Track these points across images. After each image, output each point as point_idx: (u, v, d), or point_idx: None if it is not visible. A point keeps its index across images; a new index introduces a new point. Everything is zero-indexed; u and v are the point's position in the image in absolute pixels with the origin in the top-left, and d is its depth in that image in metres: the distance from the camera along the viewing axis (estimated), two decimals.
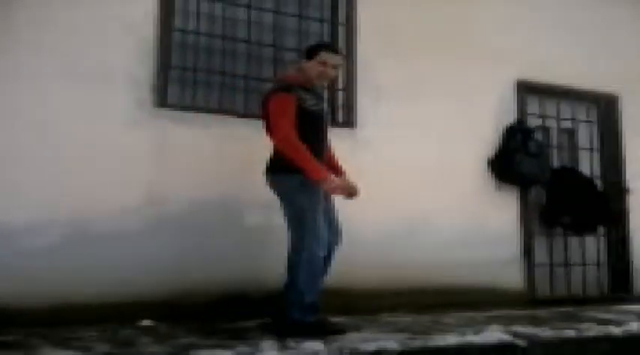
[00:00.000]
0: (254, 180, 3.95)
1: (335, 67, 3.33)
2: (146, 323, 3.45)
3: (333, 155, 3.60)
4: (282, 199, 3.28)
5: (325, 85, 3.56)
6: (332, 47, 3.44)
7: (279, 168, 3.23)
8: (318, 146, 3.22)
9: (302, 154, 3.07)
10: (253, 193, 3.96)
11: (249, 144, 4.02)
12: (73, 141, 3.59)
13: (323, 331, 3.07)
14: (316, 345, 2.75)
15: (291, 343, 2.81)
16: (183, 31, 4.09)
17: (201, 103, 4.10)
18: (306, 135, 3.13)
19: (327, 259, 3.28)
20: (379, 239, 4.30)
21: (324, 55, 3.27)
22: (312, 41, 4.49)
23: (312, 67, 3.28)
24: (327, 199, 3.34)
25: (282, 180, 3.23)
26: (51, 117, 3.56)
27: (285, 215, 3.28)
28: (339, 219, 3.48)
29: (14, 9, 3.54)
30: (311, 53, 3.32)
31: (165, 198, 3.77)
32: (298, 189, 3.14)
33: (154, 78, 3.83)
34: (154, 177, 3.77)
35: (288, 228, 3.26)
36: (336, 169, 3.53)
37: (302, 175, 3.08)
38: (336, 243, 3.38)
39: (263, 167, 3.76)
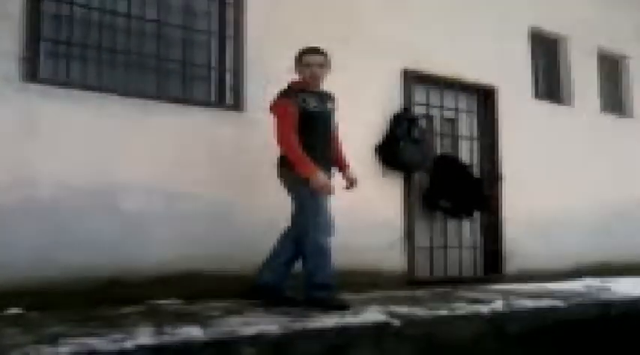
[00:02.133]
0: (132, 162, 3.82)
1: (320, 65, 3.60)
2: (14, 311, 3.24)
3: (340, 150, 3.87)
4: (289, 191, 3.61)
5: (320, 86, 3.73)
6: (313, 49, 3.65)
7: (286, 164, 3.53)
8: (319, 143, 3.54)
9: (295, 154, 3.44)
10: (131, 176, 3.81)
11: (128, 124, 3.86)
12: None
13: (329, 306, 3.39)
14: (193, 330, 2.68)
15: (167, 329, 2.72)
16: (57, 0, 3.80)
17: (77, 79, 3.85)
18: (308, 133, 3.48)
19: (322, 250, 3.53)
20: (265, 225, 4.27)
21: (307, 58, 3.59)
22: (199, 19, 4.40)
23: (301, 70, 3.62)
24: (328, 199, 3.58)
25: (289, 175, 3.52)
26: None
27: (292, 205, 3.60)
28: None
29: None
30: (299, 58, 3.64)
31: (34, 179, 3.52)
32: (302, 181, 3.45)
33: (21, 50, 3.54)
34: (22, 156, 3.50)
35: (294, 217, 3.61)
36: (340, 164, 3.85)
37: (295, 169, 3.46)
38: (330, 234, 3.57)
39: (140, 148, 3.64)
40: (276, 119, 3.56)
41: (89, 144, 3.71)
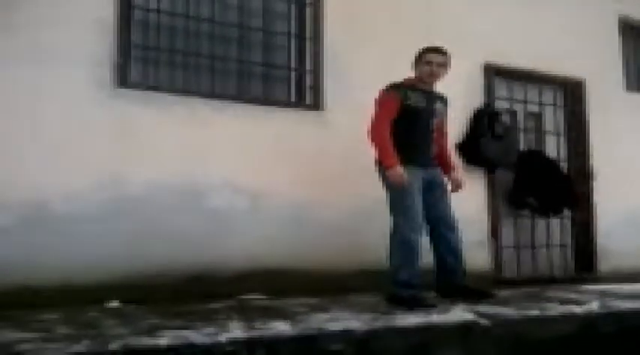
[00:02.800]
0: (217, 162, 3.94)
1: (440, 65, 3.62)
2: (112, 305, 3.41)
3: (446, 152, 3.90)
4: (383, 186, 3.62)
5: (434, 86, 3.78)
6: (436, 48, 3.67)
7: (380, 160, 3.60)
8: (416, 139, 3.59)
9: (380, 143, 3.50)
10: (217, 175, 3.93)
11: (213, 126, 3.98)
12: (32, 122, 3.50)
13: (414, 304, 3.35)
14: (282, 325, 2.72)
15: (258, 324, 2.78)
16: (145, 9, 3.98)
17: (165, 83, 4.01)
18: (405, 128, 3.54)
19: (445, 245, 3.70)
20: (343, 221, 4.30)
21: (429, 56, 3.61)
22: (278, 22, 4.48)
23: (421, 68, 3.64)
24: (438, 194, 3.68)
25: (380, 167, 3.59)
26: (12, 100, 3.46)
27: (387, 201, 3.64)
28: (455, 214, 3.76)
29: None
30: (419, 56, 3.67)
31: (127, 180, 3.69)
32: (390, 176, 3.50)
33: (114, 56, 3.73)
34: (115, 158, 3.69)
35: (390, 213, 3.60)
36: (446, 165, 3.85)
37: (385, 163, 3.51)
38: (450, 233, 3.71)
39: (227, 149, 3.75)
40: (375, 109, 3.62)
41: (176, 145, 3.85)
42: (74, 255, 3.49)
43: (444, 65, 3.66)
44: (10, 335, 2.49)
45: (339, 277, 4.18)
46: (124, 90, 3.75)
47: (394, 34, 4.67)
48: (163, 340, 2.39)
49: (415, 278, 3.52)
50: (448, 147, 3.91)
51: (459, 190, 3.88)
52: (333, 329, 2.72)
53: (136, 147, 3.74)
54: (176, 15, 4.11)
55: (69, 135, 3.58)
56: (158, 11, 4.02)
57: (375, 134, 3.54)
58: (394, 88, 3.60)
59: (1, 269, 3.29)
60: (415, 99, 3.59)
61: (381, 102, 3.58)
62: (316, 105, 4.40)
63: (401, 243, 3.49)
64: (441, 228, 3.69)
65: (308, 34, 4.50)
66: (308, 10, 4.53)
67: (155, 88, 3.90)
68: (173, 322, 2.83)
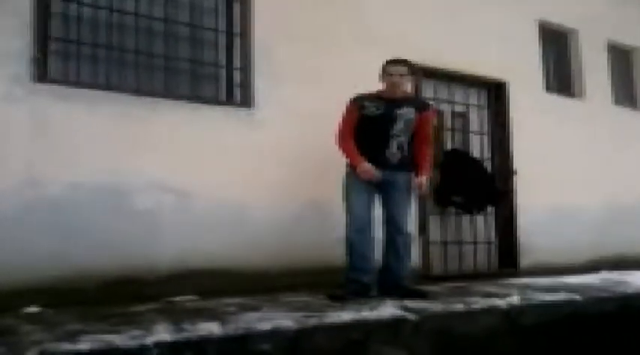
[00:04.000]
0: (143, 161, 3.82)
1: (401, 75, 3.83)
2: (31, 310, 3.24)
3: (422, 155, 3.94)
4: (343, 189, 3.90)
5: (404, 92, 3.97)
6: (395, 60, 3.87)
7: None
8: (372, 143, 3.80)
9: (343, 147, 3.84)
10: (145, 176, 3.82)
11: (139, 124, 3.86)
12: None
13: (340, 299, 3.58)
14: (211, 326, 2.67)
15: (186, 325, 2.71)
16: (65, 0, 3.80)
17: (87, 79, 3.85)
18: (363, 134, 3.82)
19: (390, 245, 3.84)
20: (274, 222, 4.27)
21: (389, 68, 3.83)
22: (206, 17, 4.39)
23: (384, 79, 3.87)
24: (394, 196, 3.82)
25: (347, 172, 3.88)
26: None
27: None
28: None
29: None
30: (382, 68, 3.88)
31: (46, 179, 3.52)
32: (346, 179, 3.85)
33: (31, 50, 3.54)
34: (33, 157, 3.51)
35: None
36: (417, 166, 3.92)
37: (349, 167, 3.84)
38: (397, 235, 3.82)
39: (153, 147, 3.64)
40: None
41: (100, 143, 3.71)
42: None
43: (403, 74, 3.86)
44: None
45: (270, 277, 4.15)
46: (42, 86, 3.56)
47: (323, 31, 4.69)
48: (85, 345, 2.29)
49: (354, 274, 3.75)
50: (425, 150, 3.95)
51: (421, 193, 4.07)
52: (263, 328, 2.70)
53: (56, 145, 3.57)
54: (98, 7, 3.94)
55: None
56: (78, 2, 3.85)
57: (339, 140, 3.87)
58: (355, 99, 3.88)
59: None
60: (371, 108, 3.82)
61: (344, 113, 3.90)
62: (246, 102, 4.35)
63: (345, 241, 3.77)
64: (390, 228, 3.84)
65: (237, 30, 4.44)
66: (236, 6, 4.47)
67: (77, 84, 3.74)
68: (96, 326, 2.72)
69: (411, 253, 3.97)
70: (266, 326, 2.73)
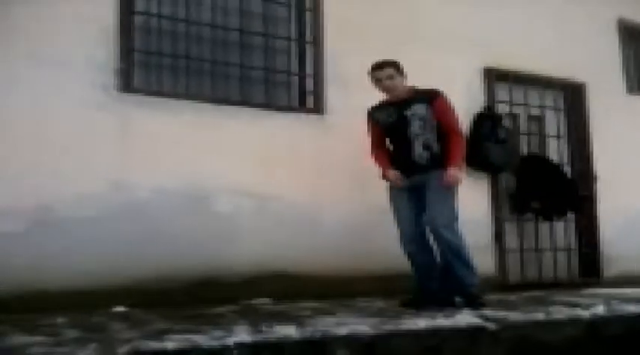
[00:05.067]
0: (221, 166, 3.93)
1: (388, 77, 3.65)
2: (119, 309, 3.40)
3: (450, 144, 3.66)
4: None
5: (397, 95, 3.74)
6: (375, 65, 3.72)
7: None
8: (396, 151, 3.75)
9: (374, 160, 3.83)
10: (222, 180, 3.92)
11: (216, 131, 3.98)
12: (36, 128, 3.49)
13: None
14: (288, 329, 2.70)
15: (264, 327, 2.77)
16: (146, 14, 3.98)
17: (168, 88, 4.01)
18: (391, 143, 3.79)
19: (439, 249, 3.64)
20: (348, 226, 4.28)
21: (373, 75, 3.70)
22: (279, 27, 4.48)
23: (376, 86, 3.74)
24: (429, 198, 3.60)
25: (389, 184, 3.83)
26: (14, 104, 3.45)
27: None
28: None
29: None
30: (370, 78, 3.73)
31: (131, 184, 3.69)
32: (389, 191, 3.80)
33: (116, 62, 3.73)
34: (119, 163, 3.69)
35: None
36: (448, 158, 3.64)
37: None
38: (436, 236, 3.60)
39: (230, 153, 3.72)
40: None
41: (180, 149, 3.86)
42: (81, 259, 3.48)
43: (391, 76, 3.67)
44: (21, 338, 2.47)
45: (346, 281, 4.16)
46: (127, 95, 3.74)
47: (392, 38, 4.67)
48: (171, 343, 2.37)
49: (419, 283, 3.71)
50: (452, 140, 3.65)
51: (449, 185, 3.61)
52: (340, 333, 2.70)
53: (140, 151, 3.74)
54: (177, 20, 4.11)
55: (74, 140, 3.57)
56: (159, 16, 4.02)
57: (371, 153, 3.85)
58: (368, 113, 3.83)
59: (10, 274, 3.28)
60: (381, 117, 3.74)
61: (368, 126, 3.86)
62: (317, 108, 4.40)
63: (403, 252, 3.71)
64: (431, 231, 3.63)
65: (308, 38, 4.51)
66: (308, 15, 4.53)
67: (158, 93, 3.90)
68: (180, 326, 2.81)
69: (467, 255, 3.62)
70: (342, 330, 2.73)
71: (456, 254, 3.59)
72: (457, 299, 3.64)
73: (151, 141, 3.80)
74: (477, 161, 4.86)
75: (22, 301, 3.26)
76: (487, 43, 5.09)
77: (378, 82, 3.70)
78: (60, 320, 2.99)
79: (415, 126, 3.64)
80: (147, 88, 3.92)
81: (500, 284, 4.81)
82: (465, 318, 3.15)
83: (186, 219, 3.81)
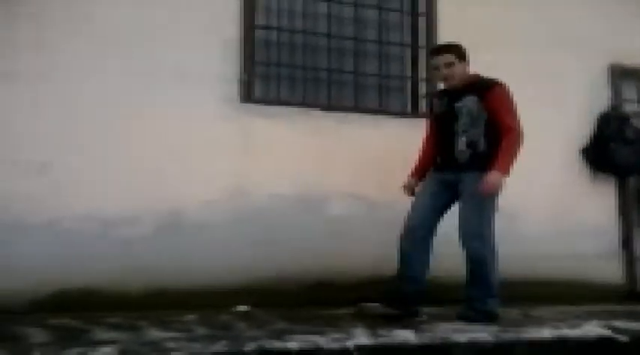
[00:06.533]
0: (337, 172, 4.03)
1: (447, 64, 3.38)
2: (241, 308, 3.58)
3: (501, 146, 3.26)
4: None
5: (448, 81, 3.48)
6: (434, 50, 3.57)
7: None
8: (439, 143, 3.49)
9: (418, 154, 3.66)
10: (337, 185, 4.02)
11: (332, 137, 4.08)
12: (166, 137, 3.75)
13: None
14: (406, 334, 2.73)
15: (381, 330, 2.81)
16: (266, 28, 4.17)
17: (286, 97, 4.18)
18: (437, 135, 3.51)
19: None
20: None
21: (432, 62, 3.48)
22: (392, 33, 4.51)
23: (435, 75, 3.62)
24: (463, 201, 3.34)
25: None
26: (148, 115, 3.73)
27: None
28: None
29: (102, 10, 3.74)
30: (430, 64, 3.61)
31: (252, 189, 3.87)
32: None
33: (240, 74, 3.94)
34: (241, 170, 3.88)
35: None
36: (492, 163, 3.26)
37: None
38: (462, 243, 3.33)
39: (346, 159, 3.81)
40: None
41: (298, 156, 4.00)
42: (204, 261, 3.70)
43: (451, 63, 3.37)
44: (157, 334, 2.70)
45: (460, 286, 4.10)
46: (248, 106, 3.94)
47: (509, 40, 4.54)
48: (294, 344, 2.48)
49: (398, 283, 3.37)
50: (503, 140, 3.25)
51: (486, 192, 3.21)
52: (460, 340, 2.69)
53: (260, 158, 3.92)
54: (295, 32, 4.26)
55: (200, 149, 3.80)
56: (278, 29, 4.20)
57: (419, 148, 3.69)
58: (430, 97, 3.67)
59: (140, 273, 3.56)
60: (437, 106, 3.52)
61: None
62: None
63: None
64: (460, 238, 3.34)
65: (422, 42, 4.50)
66: (421, 20, 4.52)
67: (276, 102, 4.07)
68: (299, 327, 2.92)
69: (488, 270, 3.29)
70: (462, 338, 2.72)
71: (477, 264, 3.30)
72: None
73: (270, 148, 3.97)
74: (603, 163, 4.63)
75: (152, 299, 3.52)
76: (611, 40, 4.80)
77: (436, 69, 3.44)
78: (188, 317, 3.20)
79: (462, 121, 3.33)
80: (266, 97, 4.10)
81: (629, 293, 4.52)
82: (594, 329, 3.02)
83: (302, 222, 3.93)
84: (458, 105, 3.35)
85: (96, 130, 3.63)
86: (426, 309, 3.42)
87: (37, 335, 2.61)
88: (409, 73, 4.52)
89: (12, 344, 2.41)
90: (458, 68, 3.38)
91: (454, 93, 3.39)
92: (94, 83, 3.65)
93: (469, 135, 3.32)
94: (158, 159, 3.72)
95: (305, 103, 4.15)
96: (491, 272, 3.30)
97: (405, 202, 4.11)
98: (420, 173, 3.62)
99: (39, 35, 3.57)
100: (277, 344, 2.47)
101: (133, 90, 3.72)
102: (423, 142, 3.65)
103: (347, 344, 2.51)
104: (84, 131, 3.61)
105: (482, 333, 2.82)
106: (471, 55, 4.40)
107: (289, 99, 4.17)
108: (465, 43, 4.40)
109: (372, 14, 4.49)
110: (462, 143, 3.33)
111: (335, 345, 2.50)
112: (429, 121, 3.65)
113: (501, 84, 3.37)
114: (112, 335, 2.64)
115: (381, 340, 2.64)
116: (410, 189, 3.62)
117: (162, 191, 3.69)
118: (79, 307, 3.33)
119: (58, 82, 3.59)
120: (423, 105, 4.44)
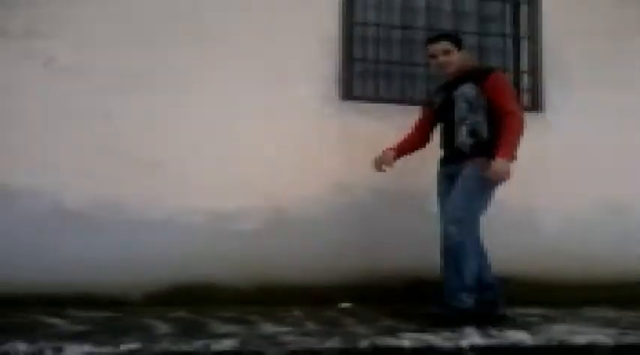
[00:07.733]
0: (431, 167, 3.97)
1: (445, 52, 3.30)
2: (345, 305, 3.63)
3: (501, 132, 3.11)
4: None
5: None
6: (431, 38, 3.44)
7: None
8: (445, 135, 3.39)
9: None
10: (433, 181, 3.97)
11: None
12: (270, 136, 3.84)
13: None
14: (520, 335, 2.67)
15: (493, 331, 2.76)
16: (364, 24, 4.17)
17: (384, 94, 4.17)
18: (440, 125, 3.45)
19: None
20: (568, 228, 4.07)
21: (429, 49, 3.37)
22: (493, 24, 4.39)
23: (430, 64, 3.44)
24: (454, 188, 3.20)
25: None
26: (253, 114, 3.85)
27: None
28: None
29: (210, 14, 3.88)
30: (425, 53, 3.46)
31: (353, 185, 3.90)
32: None
33: (339, 72, 3.98)
34: (342, 166, 3.92)
35: None
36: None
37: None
38: (443, 231, 3.16)
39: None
40: None
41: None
42: (307, 256, 3.77)
43: (447, 51, 3.28)
44: (270, 328, 2.78)
45: (565, 288, 3.96)
46: (348, 103, 3.97)
47: (616, 29, 4.31)
48: (406, 342, 2.48)
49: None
50: (503, 125, 3.10)
51: (493, 177, 3.04)
52: (578, 342, 2.59)
53: (359, 155, 3.92)
54: (393, 27, 4.24)
55: (303, 147, 3.88)
56: (377, 25, 4.20)
57: None
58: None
59: (246, 267, 3.67)
60: (435, 98, 3.46)
61: None
62: (535, 106, 4.23)
63: None
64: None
65: (524, 33, 4.35)
66: (523, 9, 4.38)
67: (374, 99, 4.08)
68: (407, 325, 2.91)
69: (465, 261, 3.04)
70: (581, 340, 2.62)
71: (449, 251, 3.07)
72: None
73: (368, 144, 3.95)
74: None
75: (257, 294, 3.63)
76: None
77: (432, 58, 3.34)
78: (296, 312, 3.28)
79: (461, 109, 3.22)
80: (364, 94, 4.11)
81: None
82: None
83: (403, 218, 3.92)
84: (456, 93, 3.26)
85: (208, 130, 3.78)
86: (530, 310, 3.32)
87: (160, 326, 2.77)
88: (510, 66, 4.39)
89: (140, 334, 2.56)
90: (455, 56, 3.32)
91: (451, 84, 3.33)
92: (205, 85, 3.81)
93: (470, 124, 3.19)
94: (260, 156, 3.82)
95: (402, 99, 4.13)
96: (465, 263, 3.04)
97: (506, 200, 3.99)
98: (398, 150, 3.52)
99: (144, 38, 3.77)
100: (391, 342, 2.48)
101: (239, 91, 3.84)
102: (412, 128, 3.58)
103: (460, 343, 2.49)
104: (198, 131, 3.78)
105: (600, 336, 2.71)
106: (576, 46, 4.24)
107: (386, 95, 4.16)
108: (570, 32, 4.26)
109: (471, 5, 4.40)
110: (463, 132, 3.21)
111: (448, 344, 2.48)
112: (420, 109, 3.60)
113: (498, 70, 3.36)
114: (229, 328, 2.75)
115: (494, 340, 2.59)
116: (379, 163, 3.48)
117: (268, 188, 3.79)
118: (192, 300, 3.50)
119: (171, 86, 3.77)
120: (526, 97, 4.30)
